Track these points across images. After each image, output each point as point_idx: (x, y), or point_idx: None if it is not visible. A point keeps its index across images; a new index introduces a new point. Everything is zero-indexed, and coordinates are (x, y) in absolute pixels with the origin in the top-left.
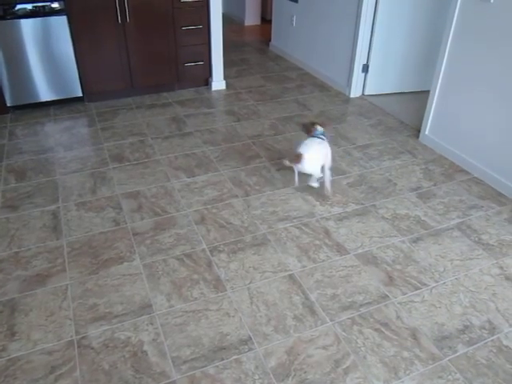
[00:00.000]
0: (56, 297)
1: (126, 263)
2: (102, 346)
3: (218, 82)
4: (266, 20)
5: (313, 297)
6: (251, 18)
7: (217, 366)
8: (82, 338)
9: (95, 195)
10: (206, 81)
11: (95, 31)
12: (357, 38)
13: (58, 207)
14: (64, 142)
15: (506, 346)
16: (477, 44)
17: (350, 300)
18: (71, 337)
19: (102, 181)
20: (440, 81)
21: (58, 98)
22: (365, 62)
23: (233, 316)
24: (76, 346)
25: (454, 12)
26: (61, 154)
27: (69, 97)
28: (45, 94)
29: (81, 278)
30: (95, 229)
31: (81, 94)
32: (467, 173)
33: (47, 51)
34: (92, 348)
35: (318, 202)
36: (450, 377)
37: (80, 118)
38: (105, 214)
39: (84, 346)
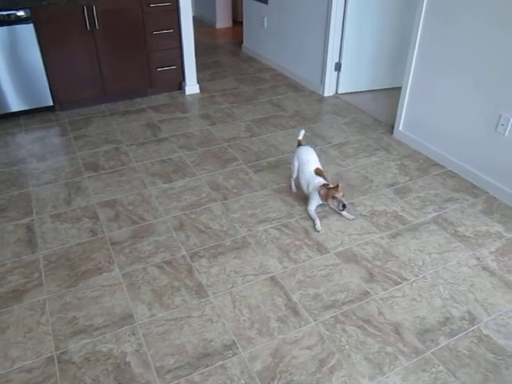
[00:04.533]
0: (34, 312)
1: (104, 274)
2: (84, 360)
3: (192, 86)
4: (237, 22)
5: (295, 298)
6: (222, 21)
7: (202, 373)
8: (63, 353)
9: (70, 206)
10: (180, 85)
11: (63, 39)
12: (328, 37)
13: (33, 220)
14: (36, 152)
15: (486, 336)
16: (446, 40)
17: (332, 299)
18: (51, 352)
19: (76, 191)
20: (411, 77)
21: (28, 107)
22: (337, 61)
23: (216, 321)
24: (56, 361)
25: (422, 8)
26: (33, 165)
27: (39, 106)
28: (14, 104)
29: (59, 291)
30: (72, 240)
31: (51, 103)
32: (441, 166)
33: (15, 60)
34: (73, 363)
35: (296, 203)
36: (433, 369)
37: (52, 127)
38: (81, 225)
39: (65, 361)
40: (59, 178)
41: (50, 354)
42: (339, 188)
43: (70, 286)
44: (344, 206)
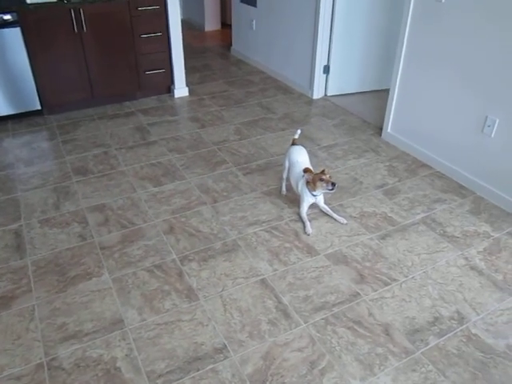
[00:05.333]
0: (22, 319)
1: (94, 279)
2: (74, 367)
3: (181, 89)
4: (226, 25)
5: (286, 300)
6: (211, 24)
7: (193, 378)
8: (52, 359)
9: (59, 211)
10: (169, 88)
11: (51, 42)
12: (316, 40)
13: (21, 225)
14: (24, 157)
15: (475, 335)
16: (432, 41)
17: (322, 300)
18: (40, 359)
19: (65, 195)
20: (399, 79)
21: (16, 111)
22: (325, 63)
23: (206, 325)
24: (46, 368)
25: (409, 12)
26: (21, 170)
27: (27, 110)
28: (1, 108)
29: (48, 297)
30: (61, 245)
31: (39, 107)
32: (429, 167)
33: (2, 64)
34: (63, 369)
35: (286, 205)
36: (423, 369)
37: (40, 131)
38: (70, 230)
39: (54, 367)
40: (48, 182)
41: (39, 361)
42: (325, 171)
43: (59, 292)
44: (334, 185)
